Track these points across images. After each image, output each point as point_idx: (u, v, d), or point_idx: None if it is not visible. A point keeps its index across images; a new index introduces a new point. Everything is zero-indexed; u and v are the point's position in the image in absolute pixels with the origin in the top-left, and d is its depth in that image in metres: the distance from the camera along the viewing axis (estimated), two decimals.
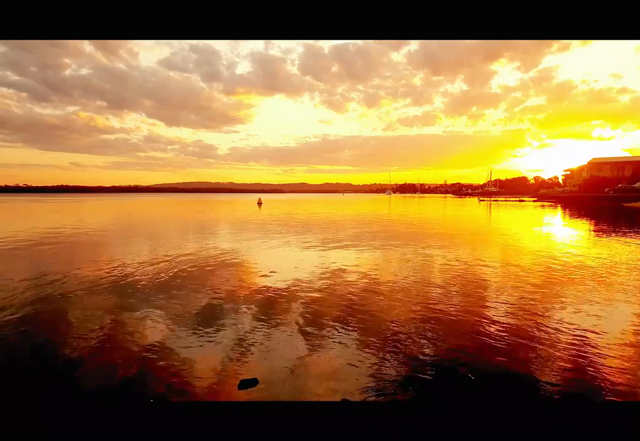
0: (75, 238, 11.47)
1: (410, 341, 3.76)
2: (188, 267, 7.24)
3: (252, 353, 3.48)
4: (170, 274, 6.65)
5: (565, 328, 4.08)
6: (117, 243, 10.80)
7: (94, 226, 15.64)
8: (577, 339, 3.76)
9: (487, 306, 4.85)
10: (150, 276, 6.49)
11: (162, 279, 6.29)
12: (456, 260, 8.03)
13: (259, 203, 40.52)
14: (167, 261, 7.84)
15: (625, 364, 3.25)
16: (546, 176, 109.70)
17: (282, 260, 8.21)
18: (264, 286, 5.87)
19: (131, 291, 5.55)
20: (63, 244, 10.12)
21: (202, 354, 3.46)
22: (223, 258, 8.20)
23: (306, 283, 6.07)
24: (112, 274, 6.59)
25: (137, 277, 6.40)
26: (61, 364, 3.27)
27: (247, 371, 3.12)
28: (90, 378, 3.04)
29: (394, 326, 4.15)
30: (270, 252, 9.20)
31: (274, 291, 5.61)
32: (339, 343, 3.72)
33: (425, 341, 3.74)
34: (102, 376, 3.06)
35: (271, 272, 6.88)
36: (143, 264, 7.49)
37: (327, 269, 7.08)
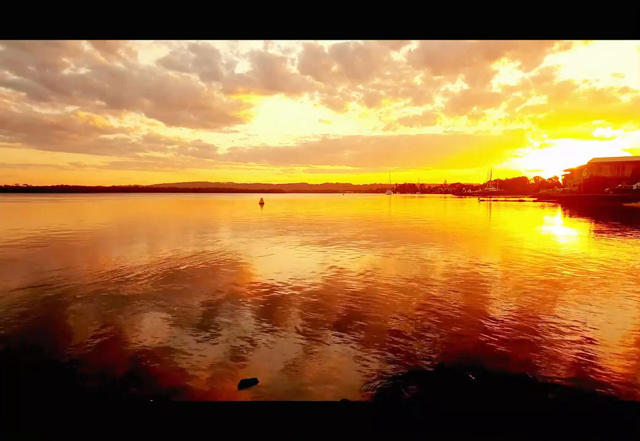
0: (114, 233, 11.50)
1: (410, 341, 3.75)
2: (197, 264, 7.24)
3: (252, 353, 3.48)
4: (178, 271, 6.65)
5: (566, 328, 4.08)
6: (141, 240, 10.81)
7: (129, 225, 15.65)
8: (577, 340, 3.75)
9: (487, 306, 4.85)
10: (156, 273, 6.49)
11: (169, 276, 6.29)
12: (456, 260, 8.03)
13: (261, 203, 40.59)
14: (179, 258, 7.84)
15: (626, 364, 3.25)
16: (546, 176, 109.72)
17: (285, 259, 8.21)
18: (267, 285, 5.86)
19: (135, 287, 5.55)
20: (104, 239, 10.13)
21: (203, 354, 3.46)
22: (229, 257, 8.19)
23: (308, 282, 6.07)
24: (124, 269, 6.60)
25: (145, 274, 6.39)
26: (61, 365, 3.27)
27: (247, 371, 3.12)
28: (91, 378, 3.04)
29: (394, 326, 4.14)
30: (273, 250, 9.19)
31: (276, 290, 5.61)
32: (339, 343, 3.72)
33: (425, 341, 3.74)
34: (102, 376, 3.06)
35: (274, 271, 6.88)
36: (154, 260, 7.49)
37: (329, 269, 7.08)
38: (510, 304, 4.95)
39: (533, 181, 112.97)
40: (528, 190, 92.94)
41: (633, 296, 5.29)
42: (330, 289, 5.67)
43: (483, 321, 4.28)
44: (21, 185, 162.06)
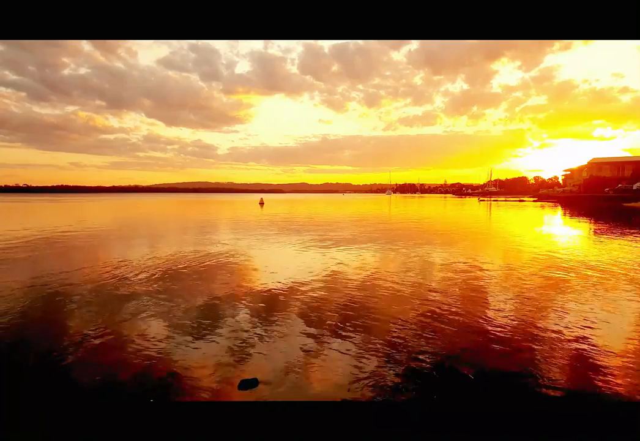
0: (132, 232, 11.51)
1: (410, 341, 3.75)
2: (199, 265, 7.24)
3: (253, 353, 3.48)
4: (180, 271, 6.65)
5: (566, 328, 4.07)
6: (144, 241, 10.81)
7: (132, 226, 15.66)
8: (577, 340, 3.75)
9: (487, 306, 4.84)
10: (157, 273, 6.49)
11: (170, 276, 6.29)
12: (457, 260, 8.03)
13: (261, 203, 40.57)
14: (180, 258, 7.85)
15: (626, 364, 3.25)
16: (546, 176, 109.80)
17: (285, 259, 8.21)
18: (268, 285, 5.86)
19: (137, 287, 5.55)
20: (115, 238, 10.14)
21: (203, 354, 3.46)
22: (230, 257, 8.19)
23: (309, 282, 6.07)
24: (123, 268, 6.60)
25: (146, 274, 6.40)
26: (62, 365, 3.27)
27: (247, 371, 3.12)
28: (91, 378, 3.04)
29: (394, 326, 4.14)
30: (274, 251, 9.20)
31: (277, 290, 5.61)
32: (339, 342, 3.72)
33: (425, 341, 3.74)
34: (102, 376, 3.06)
35: (275, 271, 6.88)
36: (156, 261, 7.49)
37: (330, 269, 7.07)
38: (512, 304, 4.94)
39: (533, 181, 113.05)
40: (528, 190, 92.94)
41: (634, 296, 5.29)
42: (331, 290, 5.67)
43: (484, 321, 4.28)
44: (21, 185, 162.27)
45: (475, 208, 34.49)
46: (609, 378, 3.02)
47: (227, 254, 8.66)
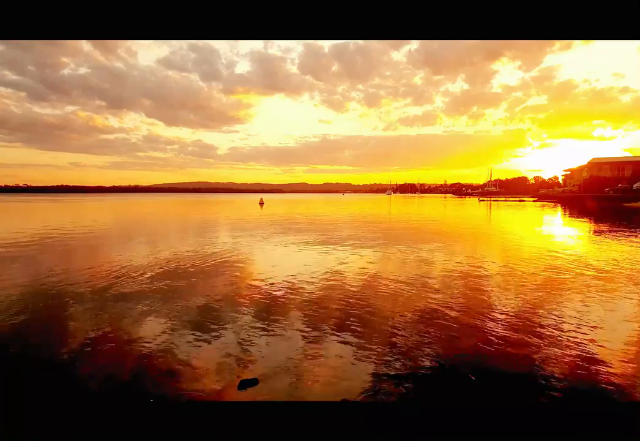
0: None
1: (411, 341, 3.75)
2: (200, 265, 7.24)
3: (252, 353, 3.48)
4: (182, 271, 6.65)
5: (566, 328, 4.07)
6: (148, 240, 10.82)
7: (136, 226, 15.68)
8: (577, 340, 3.75)
9: (487, 306, 4.84)
10: (159, 273, 6.49)
11: (172, 276, 6.29)
12: (457, 260, 8.03)
13: (261, 203, 40.61)
14: (182, 258, 7.85)
15: (626, 364, 3.25)
16: (546, 176, 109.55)
17: (285, 259, 8.21)
18: (269, 285, 5.86)
19: (139, 287, 5.56)
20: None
21: (202, 354, 3.46)
22: (231, 257, 8.19)
23: (310, 282, 6.07)
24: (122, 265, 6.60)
25: (148, 274, 6.40)
26: (62, 365, 3.27)
27: (247, 371, 3.12)
28: (91, 379, 3.04)
29: (394, 327, 4.14)
30: (275, 251, 9.19)
31: (278, 290, 5.60)
32: (339, 343, 3.72)
33: (425, 342, 3.74)
34: (102, 377, 3.06)
35: (276, 270, 6.88)
36: (156, 258, 7.50)
37: (330, 268, 7.07)
38: (511, 304, 4.94)
39: (533, 181, 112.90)
40: (528, 190, 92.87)
41: (634, 296, 5.29)
42: (332, 290, 5.67)
43: (484, 321, 4.28)
44: (21, 185, 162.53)
45: (476, 208, 34.49)
46: (609, 378, 3.02)
47: (229, 254, 8.66)
